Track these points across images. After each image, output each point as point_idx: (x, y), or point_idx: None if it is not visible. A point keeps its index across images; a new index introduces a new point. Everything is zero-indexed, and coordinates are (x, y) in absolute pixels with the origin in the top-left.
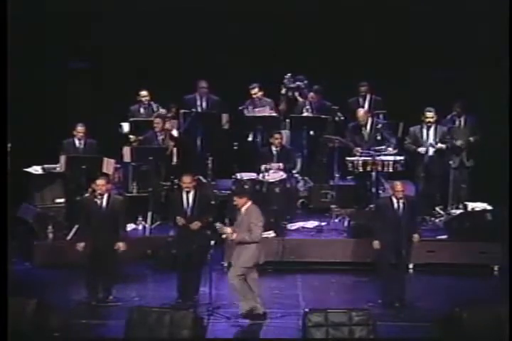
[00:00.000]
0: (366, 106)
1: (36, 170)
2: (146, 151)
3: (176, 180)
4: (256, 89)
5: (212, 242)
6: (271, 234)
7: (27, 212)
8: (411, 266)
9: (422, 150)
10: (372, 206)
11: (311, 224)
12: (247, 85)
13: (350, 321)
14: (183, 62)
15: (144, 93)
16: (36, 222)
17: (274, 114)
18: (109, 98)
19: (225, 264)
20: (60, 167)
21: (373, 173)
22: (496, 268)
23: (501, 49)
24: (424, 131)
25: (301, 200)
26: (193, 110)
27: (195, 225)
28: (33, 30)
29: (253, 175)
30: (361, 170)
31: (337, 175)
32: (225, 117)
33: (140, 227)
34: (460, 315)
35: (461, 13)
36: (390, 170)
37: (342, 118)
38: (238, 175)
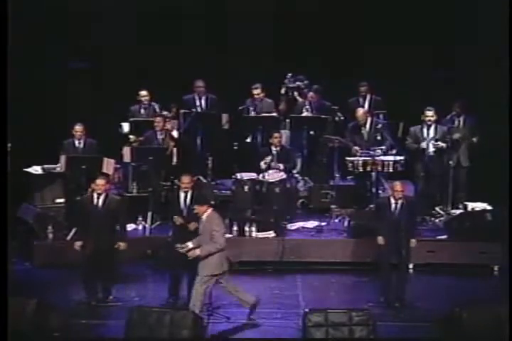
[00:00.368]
0: (366, 106)
1: (36, 170)
2: (146, 151)
3: (176, 180)
4: (258, 90)
5: None
6: (271, 234)
7: (27, 212)
8: (411, 266)
9: (423, 144)
10: (372, 206)
11: (311, 224)
12: (247, 85)
13: (350, 321)
14: (183, 62)
15: (143, 93)
16: (36, 222)
17: (274, 114)
18: (109, 98)
19: None
20: (60, 167)
21: (373, 173)
22: (495, 268)
23: (501, 49)
24: (425, 130)
25: (301, 200)
26: (193, 110)
27: (193, 225)
28: (33, 30)
29: (253, 175)
30: (361, 170)
31: (337, 175)
32: (225, 117)
33: (140, 227)
34: (460, 315)
35: (461, 13)
36: (390, 170)
37: (342, 118)
38: (238, 175)
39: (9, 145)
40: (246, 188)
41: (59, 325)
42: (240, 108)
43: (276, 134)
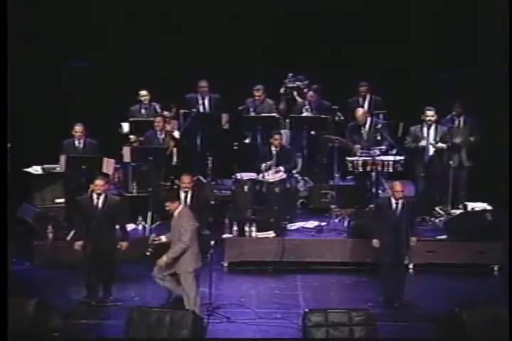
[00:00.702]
0: (366, 106)
1: (36, 170)
2: (146, 151)
3: (176, 180)
4: (260, 92)
5: (212, 242)
6: (271, 234)
7: (27, 212)
8: (411, 266)
9: (423, 143)
10: (372, 206)
11: (311, 224)
12: (247, 85)
13: (350, 321)
14: (183, 62)
15: (143, 93)
16: (36, 222)
17: (274, 114)
18: (109, 98)
19: (225, 264)
20: (60, 167)
21: (373, 173)
22: (495, 268)
23: (501, 49)
24: (425, 129)
25: (301, 200)
26: (193, 110)
27: (196, 225)
28: (33, 30)
29: (253, 175)
30: (361, 170)
31: (337, 175)
32: (224, 117)
33: (140, 227)
34: (460, 315)
35: (461, 13)
36: (390, 170)
37: (342, 118)
38: (238, 175)
39: (9, 145)
40: (246, 188)
41: (59, 325)
42: (240, 108)
43: (276, 136)
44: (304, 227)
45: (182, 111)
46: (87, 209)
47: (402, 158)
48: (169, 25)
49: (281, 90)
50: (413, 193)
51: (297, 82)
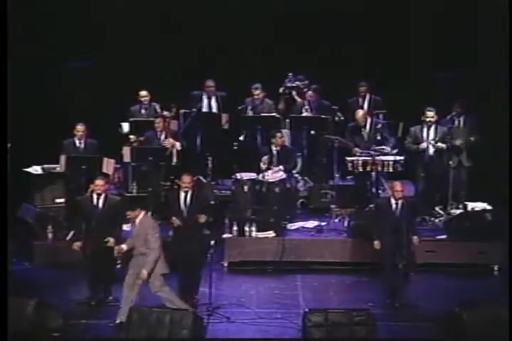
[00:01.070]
0: (365, 106)
1: (36, 170)
2: (145, 151)
3: (176, 180)
4: (258, 90)
5: (212, 242)
6: (271, 234)
7: (27, 212)
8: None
9: (423, 145)
10: (372, 206)
11: (311, 224)
12: (247, 85)
13: (350, 321)
14: (183, 62)
15: (143, 93)
16: (36, 222)
17: (274, 114)
18: (109, 98)
19: (225, 264)
20: (60, 167)
21: (373, 173)
22: (495, 268)
23: (501, 49)
24: (425, 130)
25: (301, 200)
26: (193, 110)
27: (202, 218)
28: (33, 30)
29: (253, 175)
30: (361, 170)
31: (337, 175)
32: (224, 117)
33: None
34: (460, 315)
35: (461, 13)
36: (390, 170)
37: (342, 118)
38: (238, 175)
39: (9, 145)
40: (246, 188)
41: (59, 325)
42: (240, 108)
43: (279, 134)
44: (303, 227)
45: (182, 111)
46: (87, 209)
47: (402, 158)
48: (169, 25)
49: (280, 90)
50: (413, 193)
51: (297, 82)
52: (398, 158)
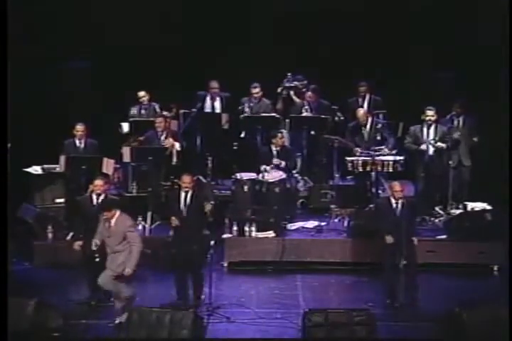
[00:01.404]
0: (365, 106)
1: (36, 170)
2: (145, 151)
3: (176, 180)
4: (257, 89)
5: (212, 242)
6: (271, 234)
7: (27, 212)
8: None
9: (423, 147)
10: (372, 206)
11: (311, 224)
12: (247, 85)
13: (350, 321)
14: (183, 62)
15: (141, 94)
16: (36, 222)
17: (274, 114)
18: (109, 98)
19: (225, 264)
20: (59, 167)
21: (373, 173)
22: (495, 268)
23: (501, 49)
24: (425, 129)
25: (301, 200)
26: (193, 110)
27: (208, 206)
28: (33, 30)
29: (253, 175)
30: (361, 170)
31: (337, 175)
32: (224, 117)
33: (140, 227)
34: (460, 315)
35: (461, 13)
36: (390, 170)
37: (342, 118)
38: (238, 175)
39: (9, 145)
40: (246, 188)
41: (59, 325)
42: (240, 108)
43: (279, 135)
44: (303, 227)
45: (182, 111)
46: (86, 209)
47: (401, 158)
48: (169, 25)
49: (278, 90)
50: (413, 193)
51: (295, 82)
52: (398, 158)
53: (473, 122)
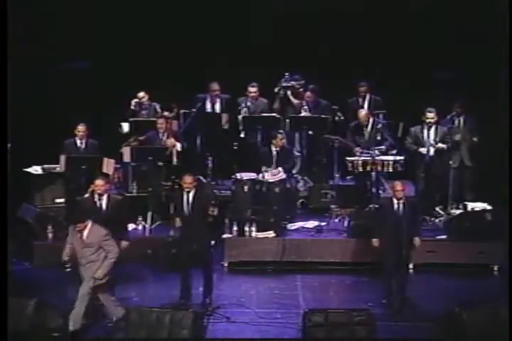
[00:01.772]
0: (365, 106)
1: (36, 170)
2: (145, 151)
3: (176, 180)
4: (254, 88)
5: (212, 242)
6: (271, 234)
7: (27, 212)
8: (411, 266)
9: (423, 150)
10: (372, 206)
11: (311, 224)
12: (246, 85)
13: (350, 321)
14: (183, 62)
15: (141, 94)
16: (36, 222)
17: (274, 114)
18: (109, 98)
19: (225, 264)
20: (60, 167)
21: (373, 173)
22: (495, 268)
23: (501, 49)
24: (425, 131)
25: (301, 200)
26: (193, 110)
27: (213, 212)
28: (33, 30)
29: (253, 175)
30: (361, 170)
31: (337, 175)
32: (224, 117)
33: (140, 227)
34: (460, 315)
35: (461, 13)
36: (390, 170)
37: (342, 118)
38: (238, 175)
39: (9, 145)
40: (246, 188)
41: (59, 325)
42: (239, 108)
43: (279, 135)
44: (303, 227)
45: (182, 111)
46: (90, 209)
47: (402, 158)
48: (169, 25)
49: (276, 89)
50: (413, 193)
51: (292, 82)
52: (398, 158)
53: (474, 122)
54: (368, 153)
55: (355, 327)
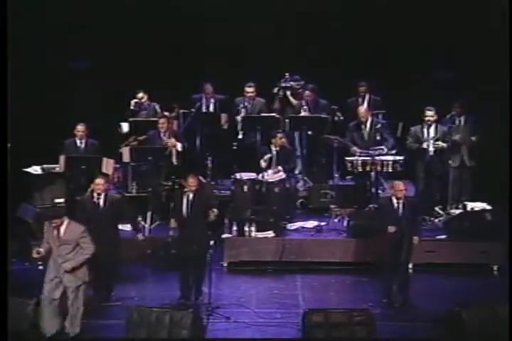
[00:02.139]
0: (365, 106)
1: (36, 170)
2: (145, 151)
3: (177, 180)
4: (252, 88)
5: (212, 242)
6: (270, 234)
7: (27, 212)
8: (411, 266)
9: (425, 145)
10: (371, 206)
11: (311, 224)
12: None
13: (350, 321)
14: (184, 62)
15: (140, 95)
16: (36, 222)
17: (274, 114)
18: (109, 98)
19: (225, 264)
20: (59, 167)
21: (373, 173)
22: (495, 268)
23: (501, 49)
24: (425, 130)
25: (300, 200)
26: (193, 110)
27: (214, 213)
28: (33, 30)
29: (252, 175)
30: (360, 170)
31: (336, 175)
32: (224, 117)
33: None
34: (460, 315)
35: (461, 13)
36: (390, 170)
37: (341, 118)
38: (238, 175)
39: (9, 145)
40: (245, 188)
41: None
42: (238, 108)
43: (279, 135)
44: (303, 227)
45: (182, 111)
46: (89, 208)
47: (401, 158)
48: (169, 26)
49: (275, 90)
50: (413, 193)
51: (291, 82)
52: (398, 158)
53: (474, 121)
54: (368, 153)
55: (355, 327)
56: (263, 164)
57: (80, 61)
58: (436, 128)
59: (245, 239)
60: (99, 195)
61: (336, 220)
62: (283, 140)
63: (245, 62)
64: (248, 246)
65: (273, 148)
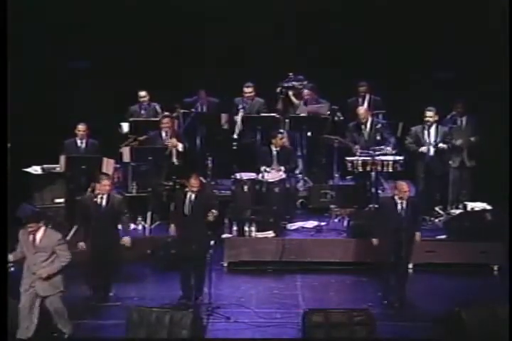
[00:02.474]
0: (365, 106)
1: (36, 170)
2: (145, 151)
3: (177, 180)
4: (250, 88)
5: (212, 242)
6: (270, 233)
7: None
8: (411, 266)
9: (423, 149)
10: (371, 206)
11: (311, 224)
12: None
13: (350, 321)
14: (184, 62)
15: (142, 93)
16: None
17: (274, 114)
18: (109, 98)
19: (225, 264)
20: (59, 167)
21: (373, 173)
22: (495, 268)
23: (502, 49)
24: (425, 130)
25: (300, 200)
26: (193, 110)
27: (212, 214)
28: (33, 30)
29: (252, 175)
30: (361, 170)
31: (336, 175)
32: (224, 117)
33: (140, 227)
34: (460, 315)
35: (461, 13)
36: (390, 170)
37: (341, 118)
38: (238, 175)
39: (9, 145)
40: (245, 188)
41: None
42: (238, 108)
43: (279, 135)
44: (303, 227)
45: (181, 111)
46: (91, 208)
47: (401, 158)
48: (169, 26)
49: (277, 90)
50: (413, 193)
51: (293, 82)
52: (398, 158)
53: (475, 122)
54: (368, 153)
55: (355, 327)
56: (263, 170)
57: (80, 61)
58: (436, 128)
59: (245, 239)
60: (101, 195)
61: (336, 220)
62: (283, 140)
63: (245, 62)
64: (248, 246)
65: (273, 148)
